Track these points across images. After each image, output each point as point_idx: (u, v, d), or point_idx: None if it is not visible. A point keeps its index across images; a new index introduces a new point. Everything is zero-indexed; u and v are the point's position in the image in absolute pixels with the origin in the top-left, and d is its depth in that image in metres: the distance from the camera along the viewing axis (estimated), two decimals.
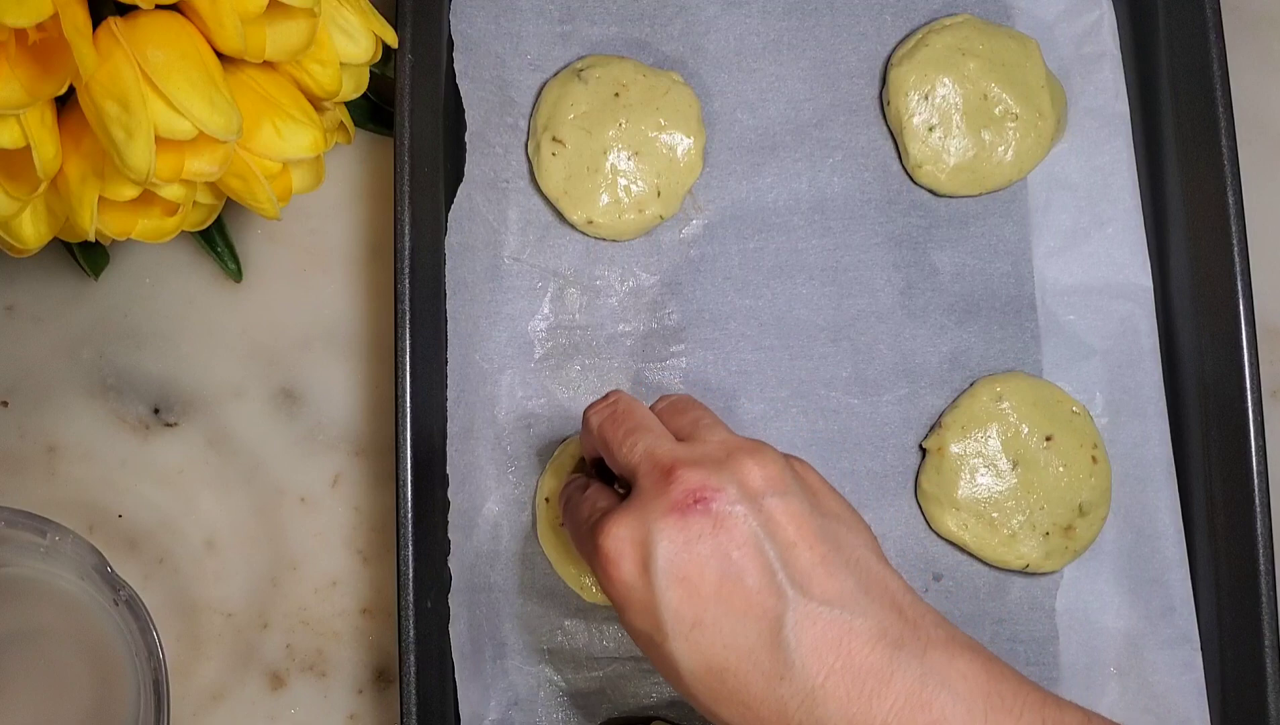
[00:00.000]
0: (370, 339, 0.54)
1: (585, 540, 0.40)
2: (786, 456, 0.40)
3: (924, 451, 0.52)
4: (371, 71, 0.46)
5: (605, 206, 0.51)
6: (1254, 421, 0.49)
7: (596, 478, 0.45)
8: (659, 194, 0.51)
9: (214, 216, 0.48)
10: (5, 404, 0.53)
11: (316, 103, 0.45)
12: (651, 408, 0.43)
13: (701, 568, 0.36)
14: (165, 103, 0.39)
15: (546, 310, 0.52)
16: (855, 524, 0.39)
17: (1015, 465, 0.51)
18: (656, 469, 0.39)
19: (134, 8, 0.39)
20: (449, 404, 0.49)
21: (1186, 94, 0.51)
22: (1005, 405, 0.51)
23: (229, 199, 0.46)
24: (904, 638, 0.36)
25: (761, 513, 0.37)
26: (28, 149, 0.39)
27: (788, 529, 0.37)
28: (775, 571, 0.36)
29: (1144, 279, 0.52)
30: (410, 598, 0.47)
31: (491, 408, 0.51)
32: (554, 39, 0.53)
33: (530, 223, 0.52)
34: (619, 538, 0.37)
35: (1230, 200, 0.49)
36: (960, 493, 0.50)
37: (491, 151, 0.52)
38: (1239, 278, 0.49)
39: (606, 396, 0.43)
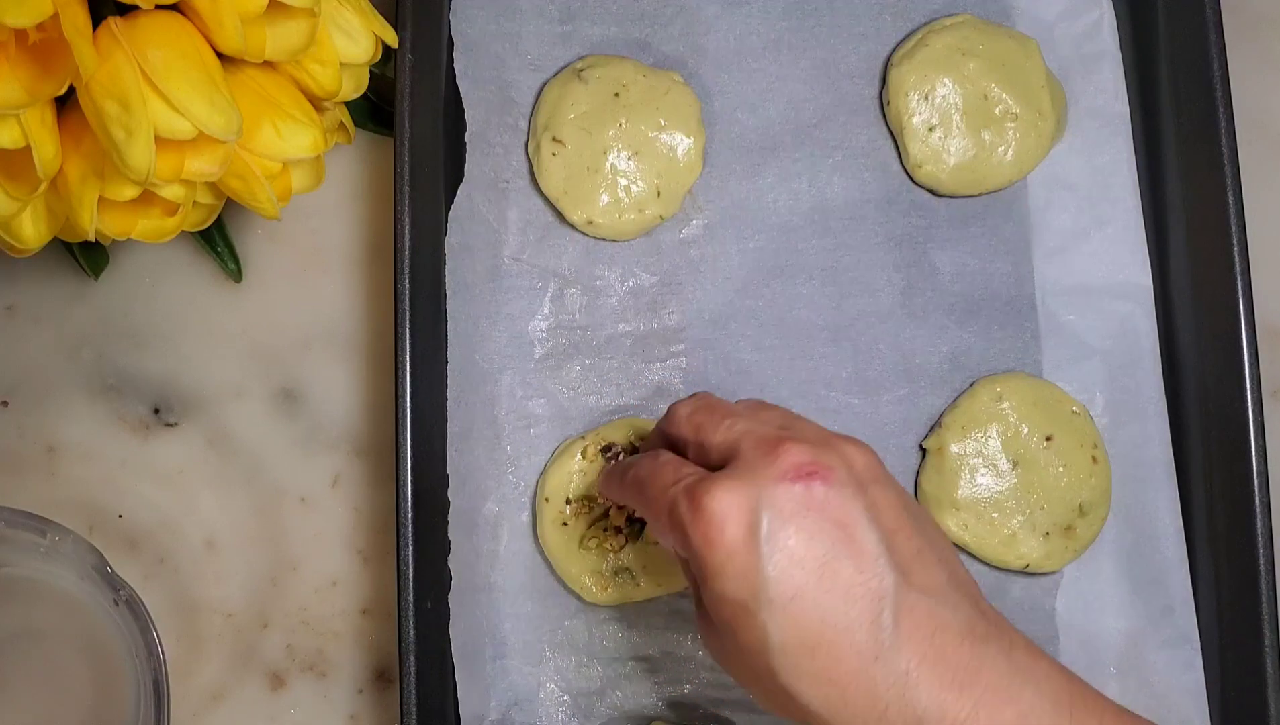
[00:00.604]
0: (370, 339, 0.54)
1: (669, 502, 0.39)
2: None
3: (924, 451, 0.52)
4: (371, 71, 0.46)
5: (605, 206, 0.51)
6: (1254, 421, 0.49)
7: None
8: (659, 194, 0.51)
9: (214, 216, 0.48)
10: (5, 404, 0.53)
11: (316, 103, 0.45)
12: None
13: (809, 539, 0.36)
14: (165, 103, 0.39)
15: (546, 310, 0.52)
16: (936, 526, 0.40)
17: (1015, 465, 0.51)
18: (763, 443, 0.38)
19: (134, 8, 0.39)
20: (449, 404, 0.49)
21: (1186, 94, 0.51)
22: (1005, 405, 0.51)
23: (229, 199, 0.46)
24: (990, 635, 0.37)
25: (867, 497, 0.38)
26: (28, 149, 0.39)
27: (889, 517, 0.38)
28: (880, 555, 0.37)
29: (1144, 279, 0.52)
30: (410, 598, 0.47)
31: (491, 408, 0.51)
32: (554, 39, 0.53)
33: (530, 223, 0.52)
34: (725, 500, 0.37)
35: (1230, 200, 0.49)
36: (960, 493, 0.50)
37: (491, 151, 0.52)
38: (1239, 278, 0.49)
39: (694, 395, 0.44)
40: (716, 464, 0.40)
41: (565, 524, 0.50)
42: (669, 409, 0.44)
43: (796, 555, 0.36)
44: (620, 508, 0.50)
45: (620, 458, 0.50)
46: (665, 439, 0.44)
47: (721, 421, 0.40)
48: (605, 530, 0.50)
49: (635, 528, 0.50)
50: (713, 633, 0.40)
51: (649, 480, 0.41)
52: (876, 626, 0.36)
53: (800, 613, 0.36)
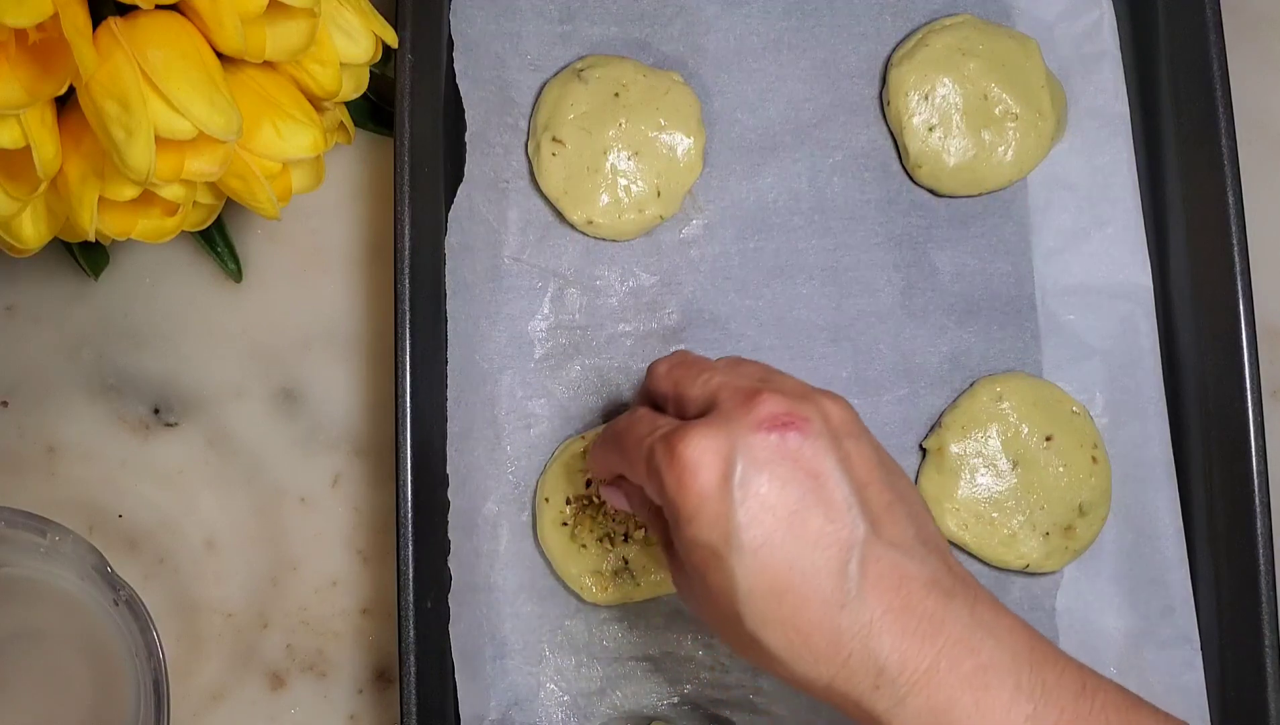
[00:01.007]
0: (370, 339, 0.54)
1: (645, 452, 0.40)
2: None
3: (924, 451, 0.52)
4: (371, 71, 0.46)
5: (605, 206, 0.51)
6: (1254, 421, 0.49)
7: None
8: (659, 194, 0.51)
9: (214, 216, 0.48)
10: (5, 404, 0.53)
11: (316, 103, 0.45)
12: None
13: (781, 488, 0.37)
14: (165, 103, 0.39)
15: (546, 310, 0.52)
16: (910, 483, 0.41)
17: (1015, 465, 0.51)
18: (739, 393, 0.39)
19: (134, 8, 0.39)
20: (449, 404, 0.49)
21: (1186, 94, 0.51)
22: (1005, 405, 0.51)
23: (229, 199, 0.46)
24: (955, 589, 0.37)
25: (840, 449, 0.38)
26: (28, 149, 0.39)
27: (861, 469, 0.38)
28: (851, 506, 0.37)
29: (1144, 279, 0.52)
30: (410, 598, 0.47)
31: (491, 408, 0.51)
32: (554, 39, 0.53)
33: (530, 223, 0.52)
34: (700, 447, 0.37)
35: (1230, 200, 0.49)
36: (960, 493, 0.50)
37: (491, 151, 0.52)
38: (1239, 278, 0.49)
39: (672, 352, 0.44)
40: (695, 417, 0.40)
41: (565, 524, 0.50)
42: (649, 367, 0.44)
43: (768, 502, 0.37)
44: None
45: None
46: (647, 397, 0.44)
47: (699, 375, 0.41)
48: (603, 528, 0.50)
49: (636, 529, 0.50)
50: (683, 577, 0.40)
51: (626, 432, 0.42)
52: (843, 576, 0.36)
53: (769, 559, 0.37)
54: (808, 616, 0.36)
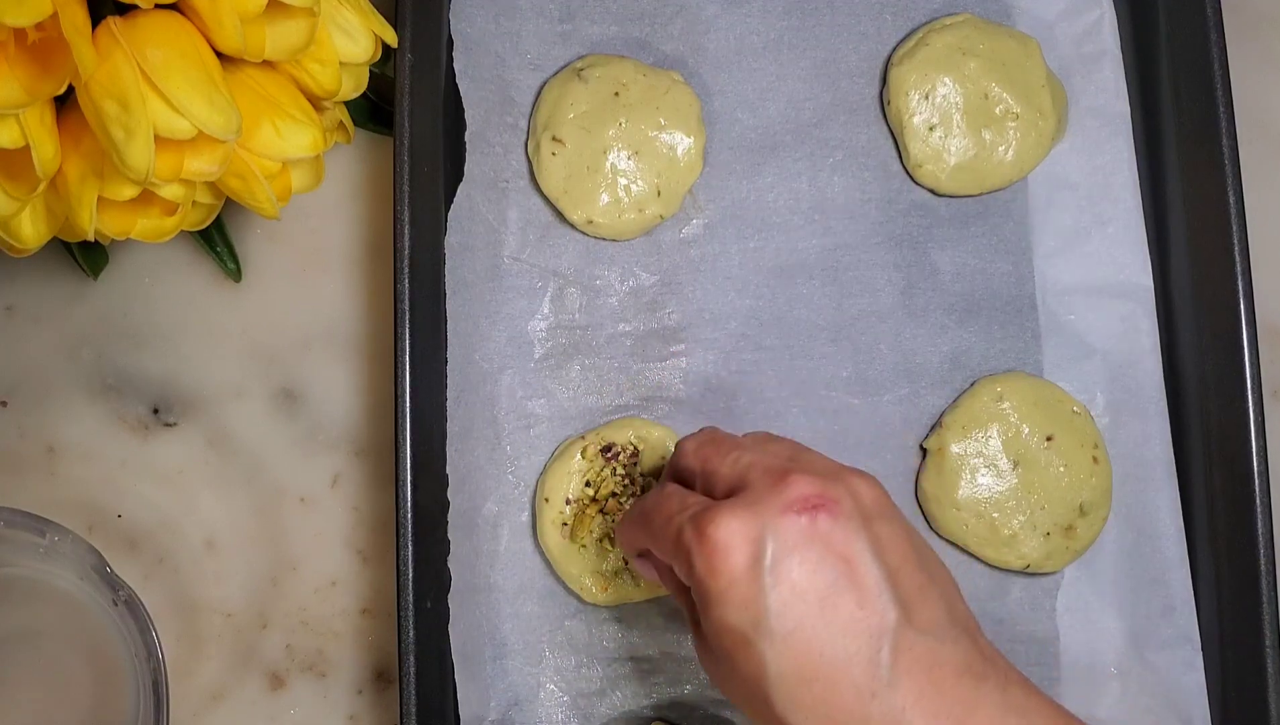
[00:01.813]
0: (370, 339, 0.54)
1: (674, 531, 0.39)
2: None
3: (924, 451, 0.52)
4: (371, 71, 0.46)
5: (605, 206, 0.51)
6: (1254, 421, 0.49)
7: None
8: (659, 193, 0.51)
9: (213, 216, 0.48)
10: (5, 404, 0.53)
11: (316, 102, 0.45)
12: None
13: (812, 573, 0.36)
14: (165, 102, 0.39)
15: (546, 310, 0.52)
16: (941, 562, 0.40)
17: (1016, 465, 0.51)
18: (770, 474, 0.38)
19: (133, 7, 0.39)
20: (449, 404, 0.49)
21: (1187, 93, 0.51)
22: (1006, 405, 0.51)
23: (229, 199, 0.46)
24: (986, 672, 0.37)
25: (871, 531, 0.38)
26: (27, 149, 0.39)
27: (893, 553, 0.38)
28: (883, 591, 0.37)
29: (1144, 278, 0.52)
30: (410, 598, 0.46)
31: (491, 408, 0.51)
32: (554, 38, 0.53)
33: (530, 222, 0.52)
34: (731, 529, 0.37)
35: (1231, 200, 0.49)
36: (961, 493, 0.50)
37: (491, 151, 0.52)
38: (1239, 277, 0.49)
39: (700, 431, 0.43)
40: (724, 495, 0.40)
41: (565, 524, 0.50)
42: (677, 444, 0.44)
43: (799, 587, 0.36)
44: (622, 508, 0.50)
45: (620, 457, 0.50)
46: (674, 473, 0.44)
47: (729, 453, 0.41)
48: (603, 529, 0.50)
49: None
50: (711, 659, 0.40)
51: (654, 510, 0.41)
52: (874, 663, 0.36)
53: (800, 645, 0.36)
54: (838, 703, 0.36)
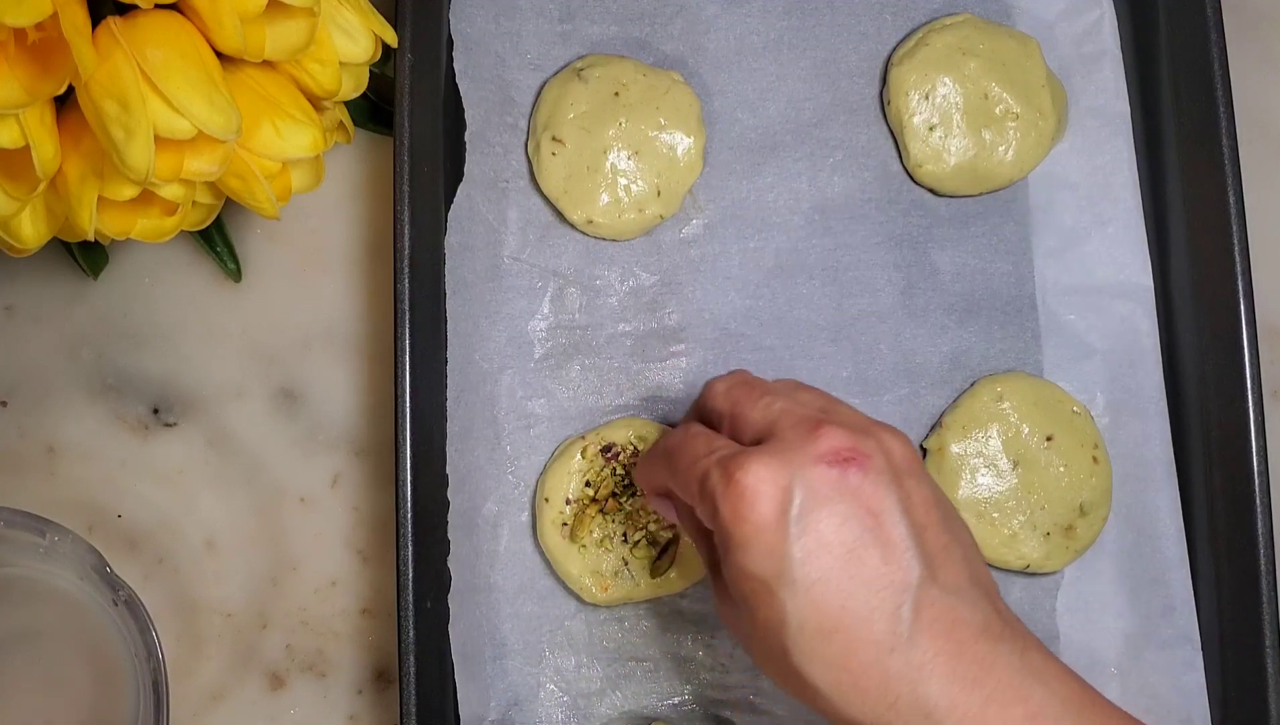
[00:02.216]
0: (370, 339, 0.54)
1: (700, 473, 0.39)
2: None
3: (925, 451, 0.52)
4: (371, 71, 0.46)
5: (605, 206, 0.51)
6: (1254, 421, 0.49)
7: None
8: (659, 193, 0.51)
9: (213, 216, 0.48)
10: (5, 404, 0.53)
11: (316, 102, 0.45)
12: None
13: (839, 525, 0.36)
14: (165, 102, 0.39)
15: (546, 310, 0.52)
16: (963, 522, 0.40)
17: (1016, 465, 0.51)
18: (802, 423, 0.38)
19: (133, 7, 0.39)
20: (449, 404, 0.49)
21: (1187, 93, 0.51)
22: (1006, 405, 0.51)
23: (229, 199, 0.46)
24: (1005, 634, 0.37)
25: (901, 488, 0.38)
26: (27, 149, 0.39)
27: (920, 510, 0.38)
28: (908, 548, 0.37)
29: (1144, 278, 0.52)
30: (410, 598, 0.46)
31: (491, 408, 0.51)
32: (554, 38, 0.53)
33: (530, 222, 0.52)
34: (759, 476, 0.37)
35: (1231, 200, 0.49)
36: (961, 493, 0.50)
37: (491, 151, 0.52)
38: (1239, 277, 0.49)
39: (732, 372, 0.43)
40: (752, 441, 0.40)
41: (565, 524, 0.50)
42: (706, 384, 0.44)
43: (825, 539, 0.36)
44: (622, 508, 0.50)
45: (620, 457, 0.50)
46: (700, 415, 0.44)
47: (760, 398, 0.40)
48: (603, 529, 0.50)
49: (636, 530, 0.50)
50: (730, 606, 0.40)
51: (679, 450, 0.41)
52: (896, 618, 0.36)
53: (822, 596, 0.36)
54: (858, 657, 0.36)
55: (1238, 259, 0.49)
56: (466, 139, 0.51)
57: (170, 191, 0.42)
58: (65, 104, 0.41)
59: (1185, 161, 0.52)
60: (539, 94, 0.52)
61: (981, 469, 0.50)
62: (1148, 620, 0.50)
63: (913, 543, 0.37)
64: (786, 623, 0.37)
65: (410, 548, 0.47)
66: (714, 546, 0.40)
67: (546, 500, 0.50)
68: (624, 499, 0.50)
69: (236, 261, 0.53)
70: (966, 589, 0.37)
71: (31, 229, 0.43)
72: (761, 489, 0.37)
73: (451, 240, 0.50)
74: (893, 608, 0.36)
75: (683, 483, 0.40)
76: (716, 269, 0.52)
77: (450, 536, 0.48)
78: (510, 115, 0.52)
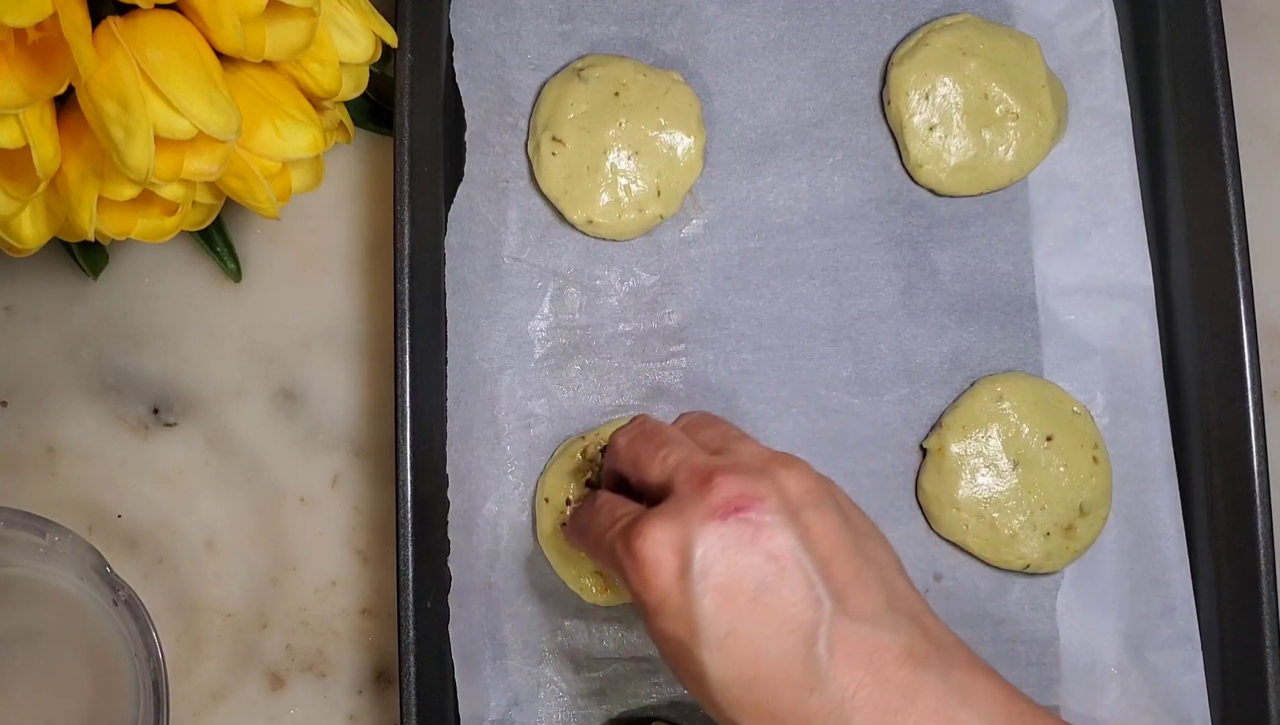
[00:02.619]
0: (370, 339, 0.54)
1: (608, 547, 0.40)
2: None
3: (924, 451, 0.52)
4: (371, 71, 0.46)
5: (605, 206, 0.51)
6: (1254, 421, 0.49)
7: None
8: (659, 193, 0.51)
9: (213, 216, 0.48)
10: (5, 404, 0.53)
11: (316, 102, 0.45)
12: (674, 425, 0.43)
13: (740, 576, 0.36)
14: (165, 102, 0.39)
15: (546, 310, 0.52)
16: (882, 542, 0.40)
17: (1016, 465, 0.51)
18: (694, 477, 0.38)
19: (133, 7, 0.39)
20: (449, 404, 0.49)
21: (1187, 93, 0.51)
22: (1006, 405, 0.51)
23: (229, 199, 0.46)
24: (929, 656, 0.37)
25: (799, 524, 0.37)
26: (27, 149, 0.39)
27: (824, 543, 0.37)
28: (814, 584, 0.37)
29: (1145, 278, 0.52)
30: (410, 598, 0.46)
31: (491, 408, 0.51)
32: (554, 38, 0.53)
33: (530, 222, 0.52)
34: (657, 542, 0.37)
35: (1231, 200, 0.49)
36: (961, 493, 0.50)
37: (491, 151, 0.52)
38: (1239, 277, 0.49)
39: (633, 420, 0.44)
40: (654, 500, 0.40)
41: (565, 524, 0.50)
42: (611, 437, 0.44)
43: (729, 591, 0.36)
44: None
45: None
46: (611, 473, 0.44)
47: (657, 453, 0.41)
48: None
49: None
50: (664, 662, 0.40)
51: (588, 525, 0.42)
52: (811, 659, 0.36)
53: (735, 649, 0.36)
54: (780, 703, 0.36)
55: (1238, 259, 0.49)
56: (466, 139, 0.51)
57: (170, 191, 0.42)
58: (65, 104, 0.41)
59: (1185, 161, 0.52)
60: (539, 94, 0.52)
61: (981, 469, 0.51)
62: (1148, 620, 0.50)
63: (819, 578, 0.37)
64: (708, 678, 0.37)
65: (410, 548, 0.47)
66: None
67: (546, 500, 0.50)
68: None
69: (236, 261, 0.53)
70: (883, 614, 0.37)
71: (31, 229, 0.43)
72: (660, 554, 0.37)
73: (451, 240, 0.50)
74: (806, 648, 0.36)
75: (597, 556, 0.41)
76: (716, 269, 0.52)
77: (450, 536, 0.48)
78: (510, 115, 0.52)
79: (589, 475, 0.50)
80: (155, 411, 0.53)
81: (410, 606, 0.47)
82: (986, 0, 0.54)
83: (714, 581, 0.36)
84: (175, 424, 0.53)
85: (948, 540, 0.51)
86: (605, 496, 0.42)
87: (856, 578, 0.37)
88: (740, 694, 0.36)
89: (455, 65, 0.51)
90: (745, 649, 0.36)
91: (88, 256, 0.52)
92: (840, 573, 0.37)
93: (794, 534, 0.37)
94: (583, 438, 0.50)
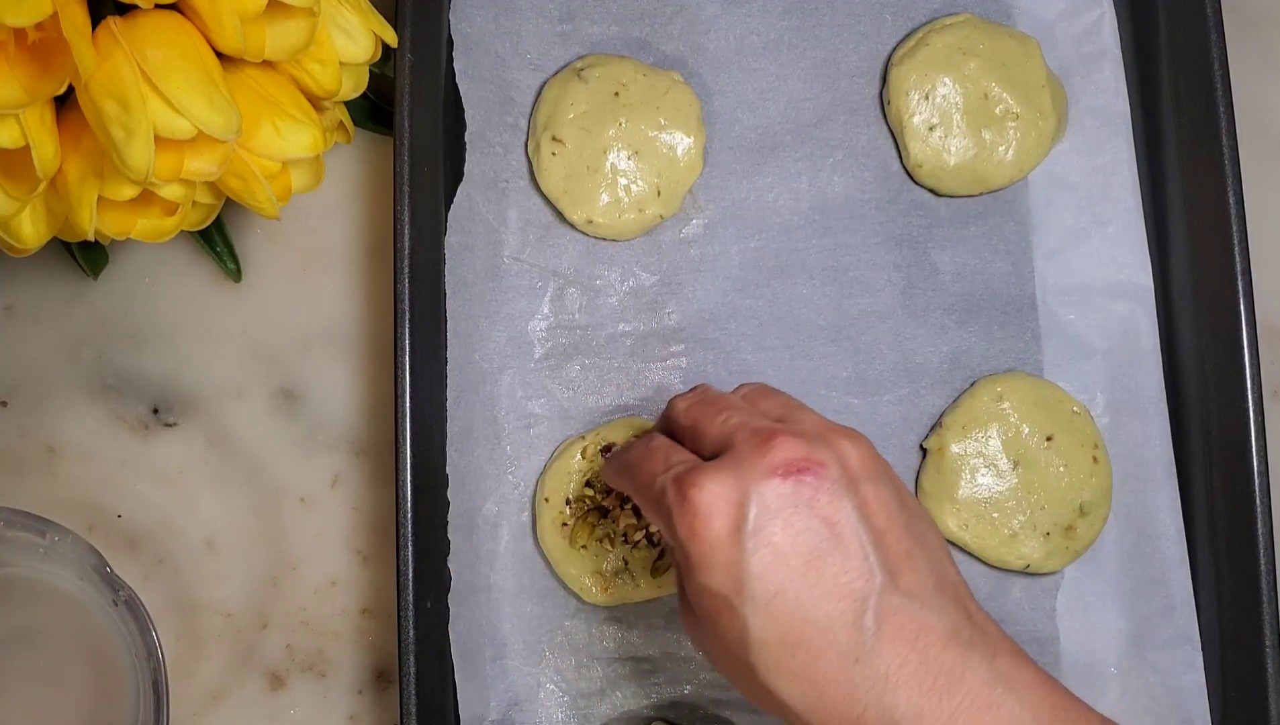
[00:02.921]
0: (370, 339, 0.54)
1: (657, 490, 0.39)
2: None
3: (924, 451, 0.52)
4: (371, 71, 0.46)
5: (605, 206, 0.51)
6: (1254, 421, 0.49)
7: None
8: (659, 193, 0.51)
9: (213, 216, 0.48)
10: (5, 404, 0.53)
11: (316, 102, 0.45)
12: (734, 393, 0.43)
13: (795, 537, 0.36)
14: (165, 102, 0.39)
15: (546, 310, 0.52)
16: (932, 525, 0.40)
17: (1016, 465, 0.51)
18: (756, 436, 0.38)
19: (133, 7, 0.39)
20: (449, 404, 0.49)
21: (1187, 93, 0.51)
22: (1006, 405, 0.51)
23: (229, 199, 0.46)
24: (974, 641, 0.36)
25: (857, 494, 0.37)
26: (27, 149, 0.39)
27: (879, 516, 0.37)
28: (867, 555, 0.36)
29: (1145, 278, 0.52)
30: (410, 598, 0.46)
31: (491, 408, 0.51)
32: (554, 38, 0.53)
33: (530, 222, 0.52)
34: (713, 493, 0.36)
35: (1231, 200, 0.49)
36: (961, 493, 0.50)
37: (491, 151, 0.52)
38: (1239, 277, 0.49)
39: (693, 388, 0.43)
40: (710, 456, 0.39)
41: (565, 524, 0.50)
42: (670, 402, 0.44)
43: (781, 552, 0.36)
44: (623, 507, 0.50)
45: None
46: (663, 428, 0.44)
47: (719, 414, 0.40)
48: (603, 529, 0.50)
49: (636, 530, 0.50)
50: (694, 623, 0.39)
51: (638, 465, 0.41)
52: (858, 628, 0.36)
53: (782, 610, 0.36)
54: (822, 669, 0.36)
55: (1238, 259, 0.49)
56: (466, 139, 0.51)
57: (170, 191, 0.42)
58: (65, 104, 0.41)
59: (1185, 161, 0.52)
60: (539, 94, 0.52)
61: (981, 469, 0.50)
62: (1148, 620, 0.50)
63: (872, 549, 0.36)
64: (749, 638, 0.36)
65: (410, 548, 0.47)
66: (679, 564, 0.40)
67: (546, 500, 0.50)
68: (624, 499, 0.50)
69: (236, 261, 0.53)
70: (931, 594, 0.37)
71: (31, 229, 0.44)
72: (715, 505, 0.36)
73: (451, 240, 0.50)
74: (854, 617, 0.36)
75: (642, 498, 0.40)
76: (716, 269, 0.52)
77: (450, 536, 0.48)
78: (510, 115, 0.52)
79: (589, 475, 0.50)
80: (155, 411, 0.53)
81: (410, 606, 0.47)
82: (986, 0, 0.54)
83: (766, 539, 0.36)
84: (175, 424, 0.53)
85: (948, 540, 0.51)
86: (662, 439, 0.41)
87: (908, 556, 0.37)
88: (781, 655, 0.36)
89: (455, 65, 0.51)
90: (792, 610, 0.36)
91: (88, 256, 0.52)
92: (893, 548, 0.37)
93: (852, 503, 0.37)
94: (583, 438, 0.50)
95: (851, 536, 0.36)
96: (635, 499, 0.41)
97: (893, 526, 0.37)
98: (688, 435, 0.41)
